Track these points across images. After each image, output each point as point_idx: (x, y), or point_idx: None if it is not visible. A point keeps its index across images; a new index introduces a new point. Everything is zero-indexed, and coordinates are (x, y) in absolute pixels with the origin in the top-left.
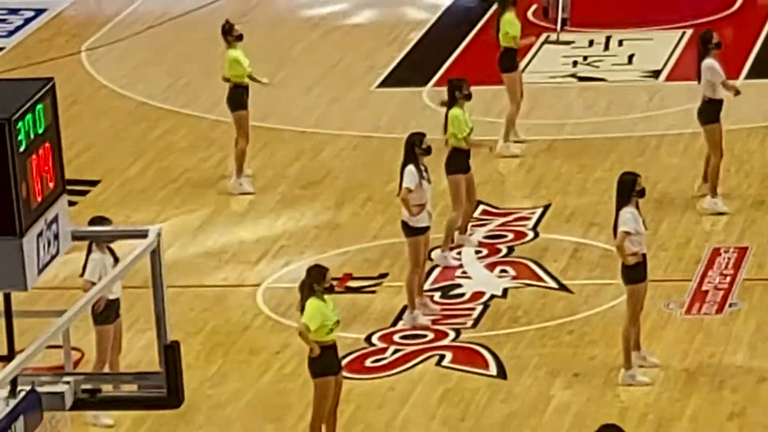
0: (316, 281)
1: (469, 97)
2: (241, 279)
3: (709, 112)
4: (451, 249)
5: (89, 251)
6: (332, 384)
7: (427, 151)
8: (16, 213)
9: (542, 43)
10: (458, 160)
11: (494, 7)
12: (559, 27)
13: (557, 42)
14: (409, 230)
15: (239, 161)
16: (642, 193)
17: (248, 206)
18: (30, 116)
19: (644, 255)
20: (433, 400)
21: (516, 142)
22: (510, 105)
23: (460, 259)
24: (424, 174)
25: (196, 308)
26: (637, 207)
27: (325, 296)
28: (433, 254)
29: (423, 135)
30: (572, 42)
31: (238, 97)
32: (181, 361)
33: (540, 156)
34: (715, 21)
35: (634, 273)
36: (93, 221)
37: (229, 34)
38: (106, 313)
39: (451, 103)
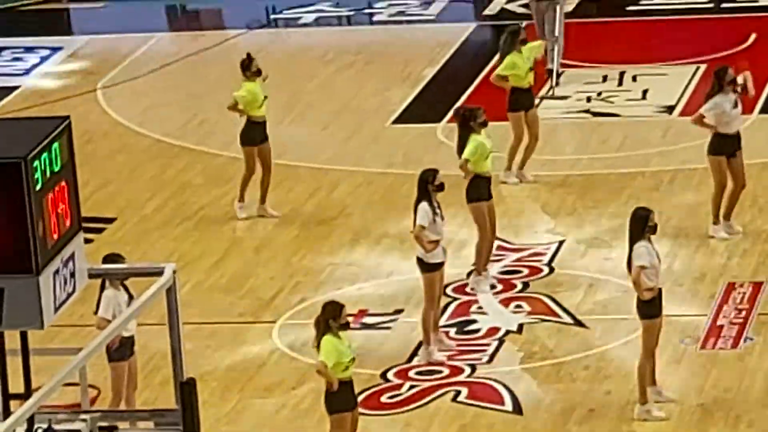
0: (331, 317)
1: (485, 124)
2: (257, 315)
3: (713, 144)
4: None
5: (102, 288)
6: (348, 420)
7: (440, 187)
8: (32, 251)
9: (541, 98)
10: (477, 187)
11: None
12: (554, 82)
13: (553, 97)
14: (424, 266)
15: (241, 187)
16: (654, 229)
17: (264, 243)
18: (46, 155)
19: (660, 289)
20: None
21: (518, 178)
22: (513, 139)
23: (492, 285)
24: (438, 210)
25: (212, 345)
26: (650, 241)
27: (341, 333)
28: (470, 279)
29: (436, 171)
30: (568, 97)
31: (246, 133)
32: (197, 398)
33: (555, 191)
34: (729, 56)
35: (649, 307)
36: (107, 259)
37: (248, 69)
38: (121, 350)
39: (467, 131)
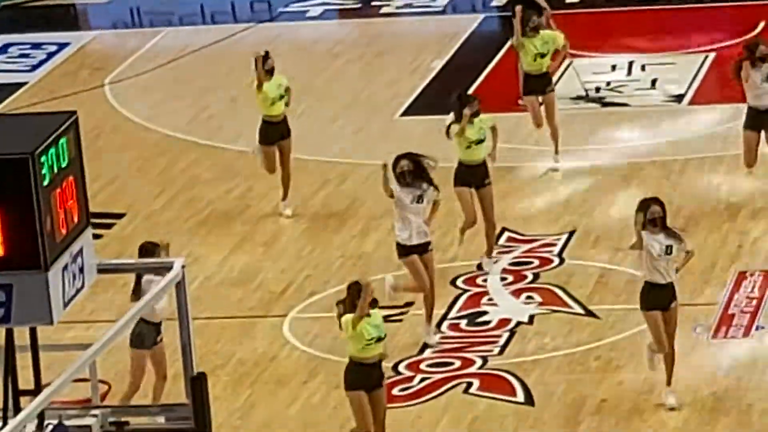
0: (357, 297)
1: (476, 114)
2: (268, 309)
3: (746, 117)
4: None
5: (137, 281)
6: (363, 399)
7: (402, 175)
8: (40, 247)
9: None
10: (458, 174)
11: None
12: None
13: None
14: (401, 249)
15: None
16: (654, 222)
17: (273, 236)
18: (53, 150)
19: (662, 285)
20: (461, 427)
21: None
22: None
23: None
24: (415, 193)
25: (222, 339)
26: (656, 232)
27: (371, 311)
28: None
29: (398, 158)
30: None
31: (261, 131)
32: (208, 393)
33: (564, 182)
34: (737, 44)
35: (647, 299)
36: (143, 248)
37: (264, 65)
38: (141, 337)
39: (457, 117)
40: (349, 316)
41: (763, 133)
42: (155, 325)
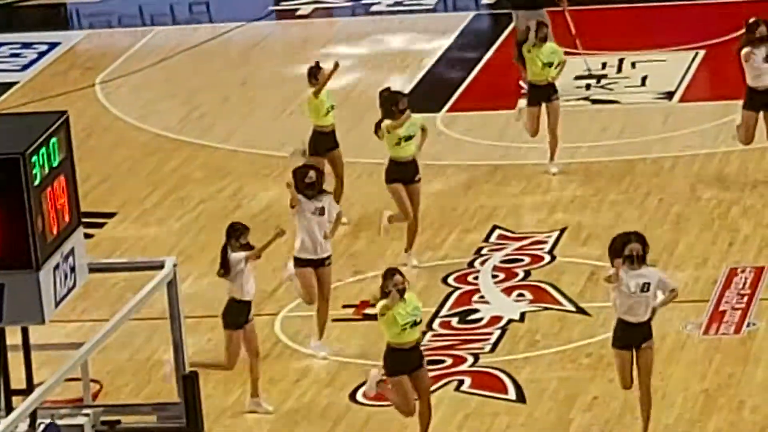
0: (389, 283)
1: (403, 112)
2: (259, 308)
3: (745, 97)
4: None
5: (225, 250)
6: (405, 383)
7: (309, 185)
8: (32, 246)
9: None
10: (390, 170)
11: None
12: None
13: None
14: (295, 261)
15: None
16: (632, 260)
17: (265, 235)
18: (44, 150)
19: (630, 323)
20: (453, 425)
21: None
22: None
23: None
24: (316, 204)
25: (214, 338)
26: (642, 268)
27: (406, 295)
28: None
29: (307, 168)
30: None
31: (313, 142)
32: (199, 392)
33: (555, 179)
34: (728, 41)
35: (618, 337)
36: (231, 227)
37: (315, 77)
38: (233, 317)
39: (385, 114)
40: (381, 302)
41: (761, 114)
42: (246, 303)
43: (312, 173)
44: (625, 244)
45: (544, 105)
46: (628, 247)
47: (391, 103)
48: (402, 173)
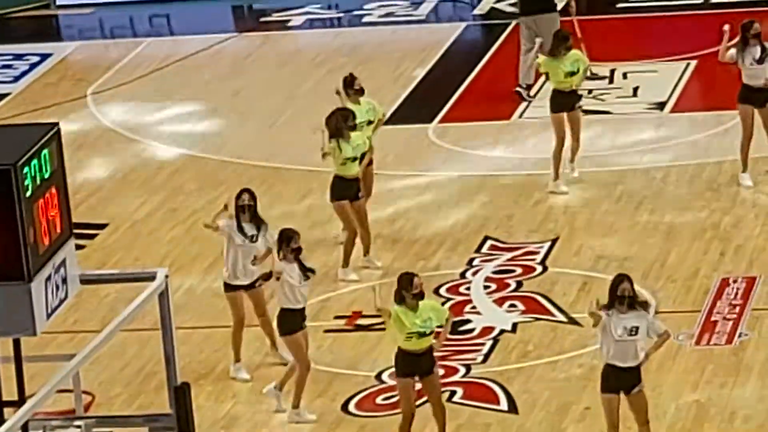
0: (404, 288)
1: (353, 128)
2: (251, 319)
3: (741, 94)
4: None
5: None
6: (409, 386)
7: (243, 209)
8: (23, 258)
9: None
10: (336, 187)
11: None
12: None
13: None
14: (225, 287)
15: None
16: (622, 301)
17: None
18: (36, 161)
19: (618, 367)
20: None
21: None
22: (555, 144)
23: (357, 279)
24: (246, 232)
25: (205, 349)
26: (632, 310)
27: (421, 303)
28: (338, 271)
29: (245, 191)
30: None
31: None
32: (191, 403)
33: (546, 189)
34: (719, 52)
35: (605, 381)
36: (283, 234)
37: (351, 87)
38: (288, 324)
39: (337, 133)
40: (393, 308)
41: (756, 112)
42: (295, 311)
43: (245, 195)
44: (618, 284)
45: (567, 113)
46: (620, 288)
47: (339, 121)
48: (347, 190)
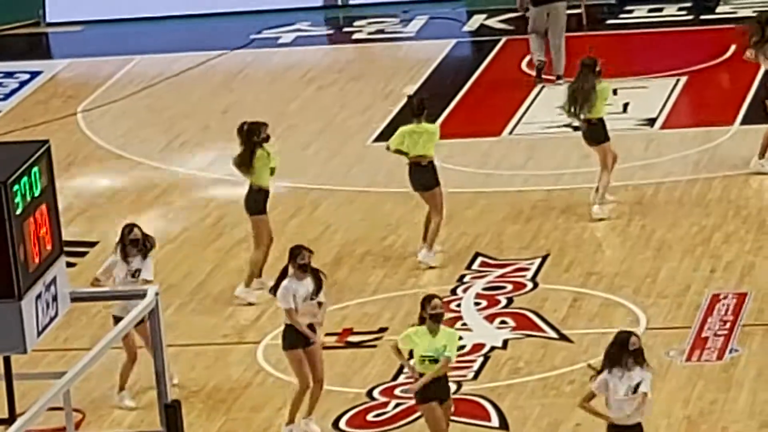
0: (422, 308)
1: (267, 139)
2: (242, 336)
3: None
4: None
5: (281, 277)
6: (434, 409)
7: (134, 242)
8: (14, 276)
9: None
10: (258, 200)
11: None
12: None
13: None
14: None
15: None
16: (631, 353)
17: (246, 264)
18: (26, 179)
19: (627, 426)
20: None
21: (601, 204)
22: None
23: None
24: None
25: (197, 367)
26: (638, 366)
27: (442, 329)
28: (237, 290)
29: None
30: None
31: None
32: (182, 421)
33: (537, 206)
34: (709, 68)
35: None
36: (294, 251)
37: (420, 108)
38: (290, 340)
39: (251, 145)
40: (411, 329)
41: None
42: (310, 327)
43: (136, 230)
44: (627, 339)
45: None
46: (631, 341)
47: (252, 134)
48: (265, 203)
